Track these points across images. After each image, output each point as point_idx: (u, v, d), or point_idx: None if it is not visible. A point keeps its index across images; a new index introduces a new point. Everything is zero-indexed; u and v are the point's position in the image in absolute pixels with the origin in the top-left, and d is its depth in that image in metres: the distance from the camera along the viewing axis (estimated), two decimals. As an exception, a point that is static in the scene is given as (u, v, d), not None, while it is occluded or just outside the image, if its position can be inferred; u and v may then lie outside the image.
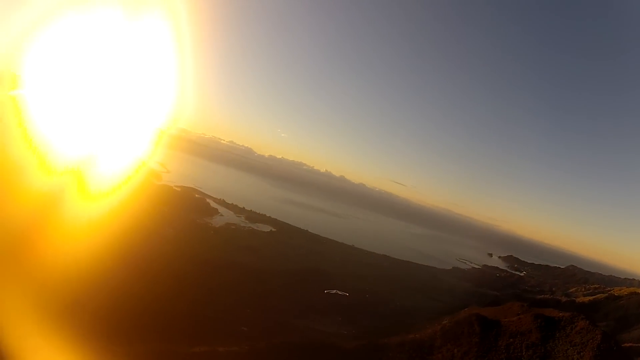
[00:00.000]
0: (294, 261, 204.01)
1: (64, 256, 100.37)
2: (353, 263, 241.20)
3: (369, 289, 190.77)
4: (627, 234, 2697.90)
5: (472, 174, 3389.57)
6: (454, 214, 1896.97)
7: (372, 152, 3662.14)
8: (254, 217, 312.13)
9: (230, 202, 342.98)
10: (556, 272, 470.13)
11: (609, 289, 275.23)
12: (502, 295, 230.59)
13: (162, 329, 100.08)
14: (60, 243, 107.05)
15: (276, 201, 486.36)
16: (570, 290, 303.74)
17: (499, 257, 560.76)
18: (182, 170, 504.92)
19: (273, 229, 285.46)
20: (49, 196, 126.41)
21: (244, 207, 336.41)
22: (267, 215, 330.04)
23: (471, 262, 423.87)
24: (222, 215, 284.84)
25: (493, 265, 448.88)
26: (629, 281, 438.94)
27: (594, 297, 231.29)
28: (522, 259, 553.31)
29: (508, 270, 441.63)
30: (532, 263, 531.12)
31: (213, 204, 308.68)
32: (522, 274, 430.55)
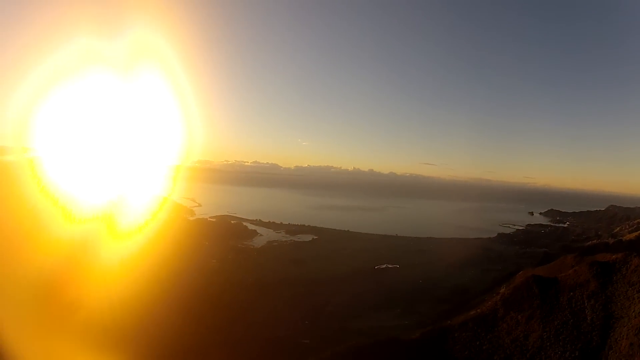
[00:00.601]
0: (341, 264, 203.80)
1: (115, 300, 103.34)
2: (400, 253, 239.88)
3: (421, 274, 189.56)
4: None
5: (499, 139, 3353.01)
6: (489, 182, 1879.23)
7: (395, 139, 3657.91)
8: (293, 229, 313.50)
9: (266, 221, 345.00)
10: (598, 215, 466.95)
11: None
12: (551, 250, 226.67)
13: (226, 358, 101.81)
14: (107, 288, 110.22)
15: (311, 209, 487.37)
16: (616, 230, 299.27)
17: (540, 213, 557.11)
18: (213, 200, 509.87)
19: (314, 237, 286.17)
20: (85, 244, 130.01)
21: (281, 222, 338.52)
22: (306, 224, 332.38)
23: (514, 225, 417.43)
24: (261, 235, 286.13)
25: (536, 223, 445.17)
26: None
27: (639, 231, 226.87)
28: (563, 210, 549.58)
29: (551, 224, 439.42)
30: (574, 212, 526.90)
31: (250, 226, 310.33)
32: (565, 225, 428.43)
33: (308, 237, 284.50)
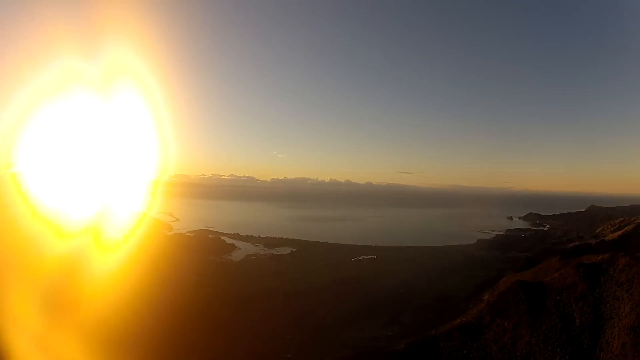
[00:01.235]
0: (322, 275, 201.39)
1: (93, 316, 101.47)
2: (380, 262, 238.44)
3: (403, 283, 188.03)
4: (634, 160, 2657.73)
5: (475, 145, 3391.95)
6: (466, 188, 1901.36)
7: (371, 149, 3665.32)
8: (272, 242, 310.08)
9: (244, 234, 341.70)
10: (578, 216, 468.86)
11: (633, 219, 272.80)
12: (533, 254, 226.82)
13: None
14: (85, 303, 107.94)
15: (289, 221, 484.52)
16: (597, 231, 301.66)
17: (519, 217, 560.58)
18: (191, 214, 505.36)
19: (293, 249, 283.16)
20: (69, 258, 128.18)
21: (259, 236, 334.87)
22: (284, 237, 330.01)
23: (494, 230, 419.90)
24: (239, 248, 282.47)
25: (516, 227, 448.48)
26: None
27: (622, 231, 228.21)
28: (543, 214, 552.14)
29: (531, 228, 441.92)
30: (553, 214, 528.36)
31: (229, 240, 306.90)
32: (546, 228, 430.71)
33: (287, 250, 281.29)
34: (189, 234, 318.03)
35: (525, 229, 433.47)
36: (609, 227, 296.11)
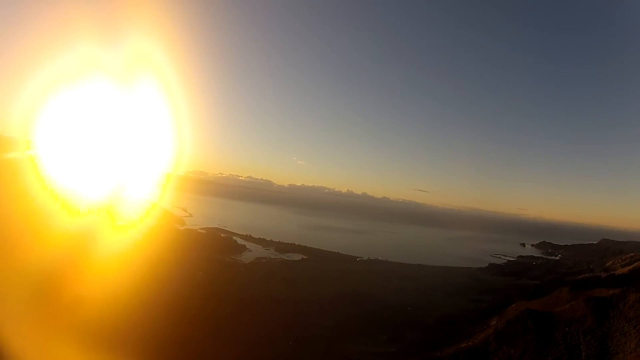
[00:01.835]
0: (330, 286, 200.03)
1: (94, 305, 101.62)
2: (389, 278, 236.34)
3: (409, 301, 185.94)
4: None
5: (493, 168, 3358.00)
6: (481, 211, 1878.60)
7: (390, 164, 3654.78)
8: (283, 247, 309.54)
9: (257, 237, 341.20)
10: (590, 248, 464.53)
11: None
12: (543, 282, 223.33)
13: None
14: (88, 292, 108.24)
15: (302, 228, 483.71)
16: (608, 264, 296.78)
17: (532, 245, 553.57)
18: (205, 211, 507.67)
19: (304, 257, 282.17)
20: (78, 244, 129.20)
21: (271, 240, 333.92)
22: (296, 243, 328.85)
23: (506, 256, 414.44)
24: (250, 250, 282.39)
25: (528, 254, 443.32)
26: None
27: (632, 266, 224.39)
28: (555, 243, 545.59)
29: (543, 256, 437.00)
30: (566, 244, 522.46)
31: (240, 241, 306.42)
32: (557, 257, 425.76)
33: (297, 256, 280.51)
34: (200, 231, 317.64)
35: (537, 256, 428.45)
36: (620, 261, 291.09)
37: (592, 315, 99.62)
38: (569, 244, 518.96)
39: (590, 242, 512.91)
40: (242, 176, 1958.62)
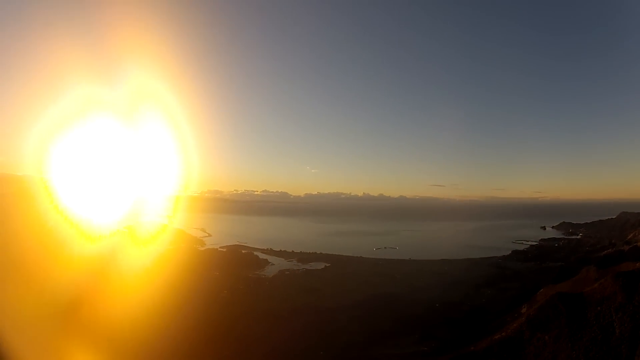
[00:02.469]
0: (356, 291, 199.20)
1: (123, 329, 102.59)
2: (414, 276, 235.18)
3: (437, 297, 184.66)
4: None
5: (506, 155, 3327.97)
6: (498, 199, 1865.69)
7: (403, 162, 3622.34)
8: (306, 257, 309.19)
9: (278, 249, 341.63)
10: (610, 223, 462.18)
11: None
12: (568, 263, 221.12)
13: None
14: (114, 316, 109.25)
15: (322, 236, 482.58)
16: (629, 237, 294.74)
17: (552, 227, 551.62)
18: (224, 230, 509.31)
19: (327, 265, 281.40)
20: (99, 267, 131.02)
21: (292, 251, 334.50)
22: (318, 252, 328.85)
23: (528, 241, 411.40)
24: (273, 264, 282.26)
25: (549, 237, 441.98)
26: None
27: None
28: (575, 222, 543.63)
29: (564, 237, 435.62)
30: (586, 223, 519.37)
31: (262, 256, 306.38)
32: (579, 237, 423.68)
33: (320, 265, 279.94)
34: (221, 249, 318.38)
35: (559, 238, 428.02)
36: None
37: (622, 292, 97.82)
38: (588, 222, 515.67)
39: (610, 217, 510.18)
40: (257, 191, 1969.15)
